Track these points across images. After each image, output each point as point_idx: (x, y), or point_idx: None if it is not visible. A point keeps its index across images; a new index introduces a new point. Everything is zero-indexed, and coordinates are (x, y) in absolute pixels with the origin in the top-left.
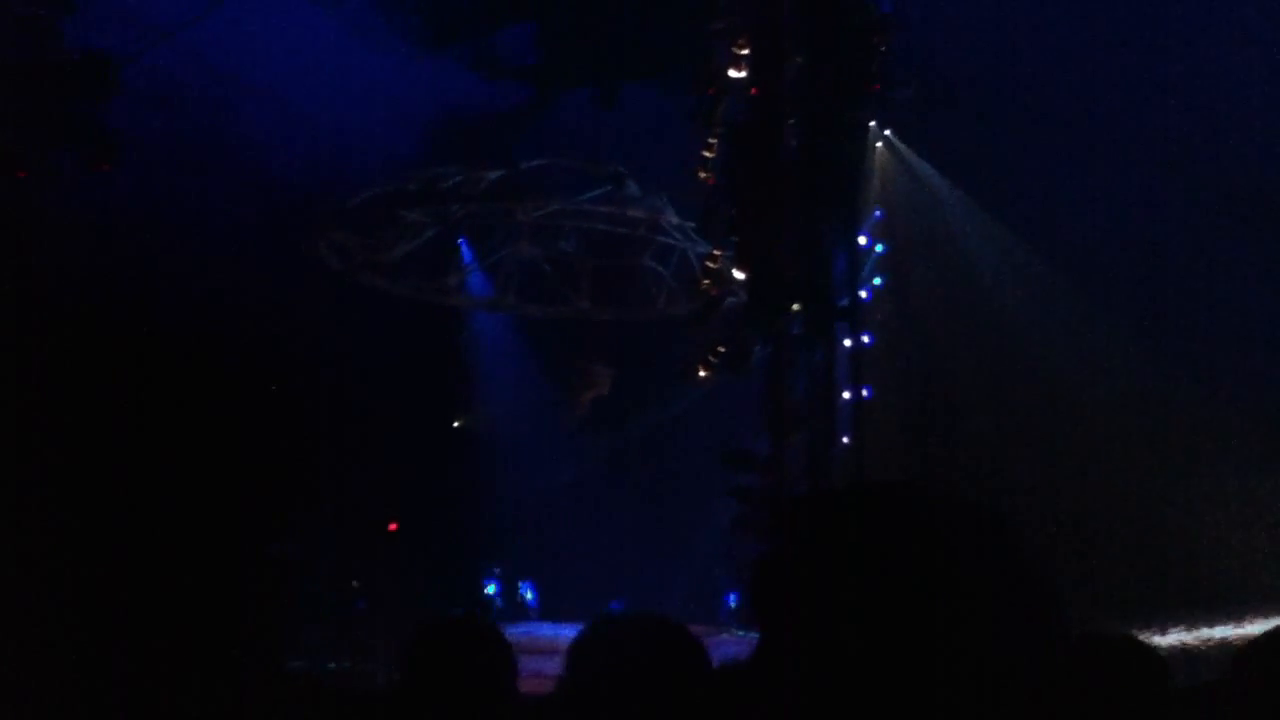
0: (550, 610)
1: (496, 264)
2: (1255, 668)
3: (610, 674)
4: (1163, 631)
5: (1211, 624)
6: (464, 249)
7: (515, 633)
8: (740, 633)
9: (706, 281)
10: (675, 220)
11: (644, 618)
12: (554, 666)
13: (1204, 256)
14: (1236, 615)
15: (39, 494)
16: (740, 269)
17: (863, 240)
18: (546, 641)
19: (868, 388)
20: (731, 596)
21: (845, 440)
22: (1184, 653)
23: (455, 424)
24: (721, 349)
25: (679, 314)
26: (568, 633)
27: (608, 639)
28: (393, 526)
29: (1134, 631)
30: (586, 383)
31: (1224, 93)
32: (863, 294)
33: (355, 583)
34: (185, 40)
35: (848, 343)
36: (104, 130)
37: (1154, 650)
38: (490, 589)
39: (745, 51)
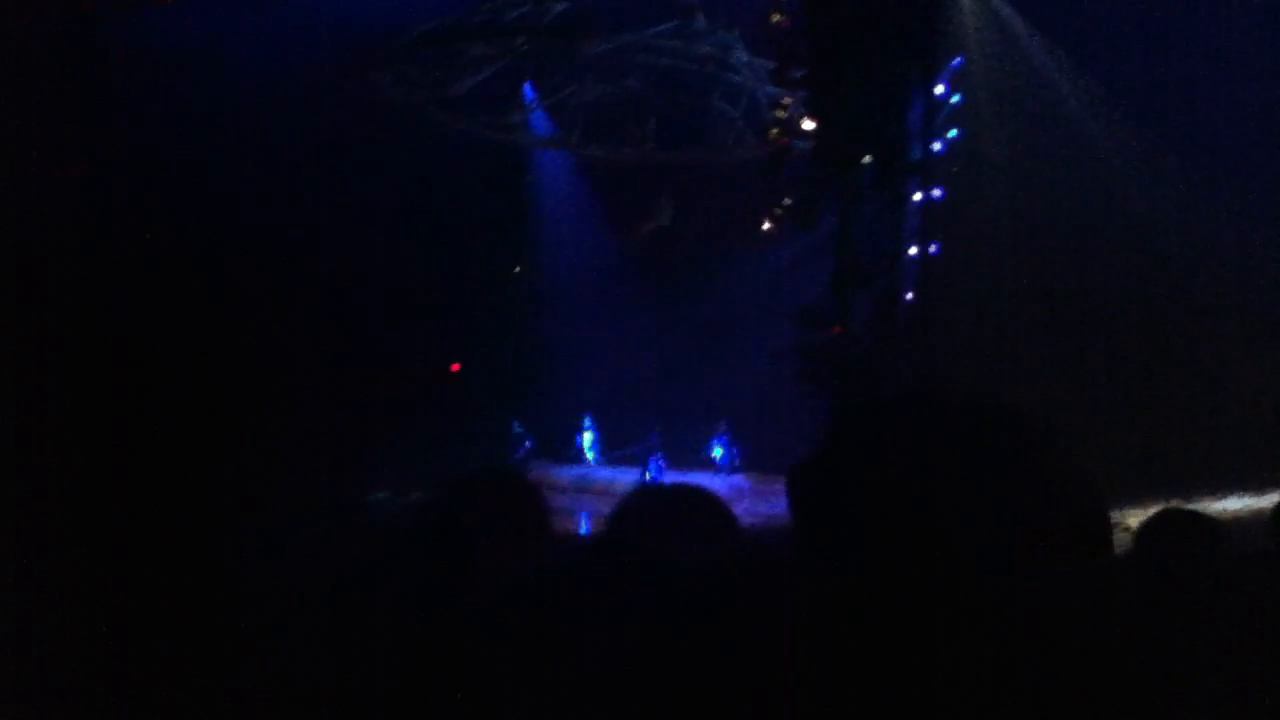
0: (603, 453)
1: (560, 102)
2: None
3: (646, 537)
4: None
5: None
6: (527, 88)
7: (572, 475)
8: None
9: (775, 130)
10: (746, 58)
11: (682, 489)
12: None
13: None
14: None
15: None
16: (810, 118)
17: (940, 90)
18: (602, 485)
19: (936, 244)
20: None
21: (910, 296)
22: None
23: (516, 270)
24: (788, 201)
25: (747, 158)
26: (622, 477)
27: (647, 507)
28: (455, 367)
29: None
30: (647, 213)
31: None
32: (936, 146)
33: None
34: None
35: (918, 196)
36: None
37: (1214, 520)
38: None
39: None
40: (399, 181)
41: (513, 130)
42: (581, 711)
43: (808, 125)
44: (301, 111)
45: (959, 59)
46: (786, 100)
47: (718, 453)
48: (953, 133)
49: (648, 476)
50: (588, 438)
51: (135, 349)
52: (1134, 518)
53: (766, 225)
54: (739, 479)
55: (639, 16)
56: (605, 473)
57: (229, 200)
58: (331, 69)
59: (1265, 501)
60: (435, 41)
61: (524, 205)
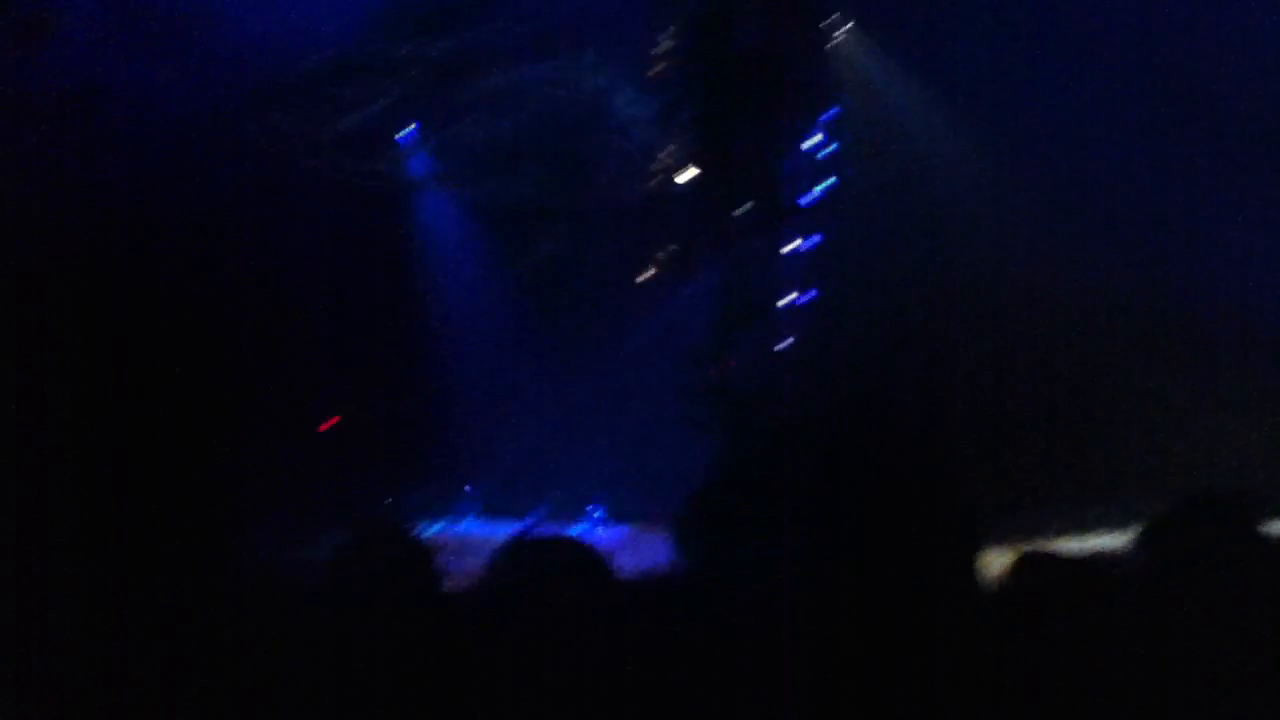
0: (491, 508)
1: (445, 142)
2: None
3: (521, 589)
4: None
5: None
6: (410, 130)
7: (455, 532)
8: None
9: (657, 178)
10: (629, 95)
11: (558, 538)
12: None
13: (1173, 166)
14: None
15: None
16: (691, 165)
17: (817, 138)
18: (481, 541)
19: (814, 290)
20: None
21: (789, 341)
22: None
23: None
24: (672, 247)
25: (633, 198)
26: (505, 531)
27: (522, 557)
28: (331, 422)
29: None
30: (534, 246)
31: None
32: (814, 193)
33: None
34: None
35: (797, 243)
36: (35, 5)
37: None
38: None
39: None
40: (275, 225)
41: (397, 171)
42: None
43: (689, 173)
44: (180, 153)
45: (835, 108)
46: (669, 147)
47: (596, 514)
48: (829, 180)
49: (528, 527)
50: (470, 494)
51: None
52: (998, 559)
53: (650, 273)
54: (620, 530)
55: (527, 54)
56: (488, 530)
57: (108, 253)
58: (213, 110)
59: (1123, 538)
60: (317, 79)
61: (408, 249)
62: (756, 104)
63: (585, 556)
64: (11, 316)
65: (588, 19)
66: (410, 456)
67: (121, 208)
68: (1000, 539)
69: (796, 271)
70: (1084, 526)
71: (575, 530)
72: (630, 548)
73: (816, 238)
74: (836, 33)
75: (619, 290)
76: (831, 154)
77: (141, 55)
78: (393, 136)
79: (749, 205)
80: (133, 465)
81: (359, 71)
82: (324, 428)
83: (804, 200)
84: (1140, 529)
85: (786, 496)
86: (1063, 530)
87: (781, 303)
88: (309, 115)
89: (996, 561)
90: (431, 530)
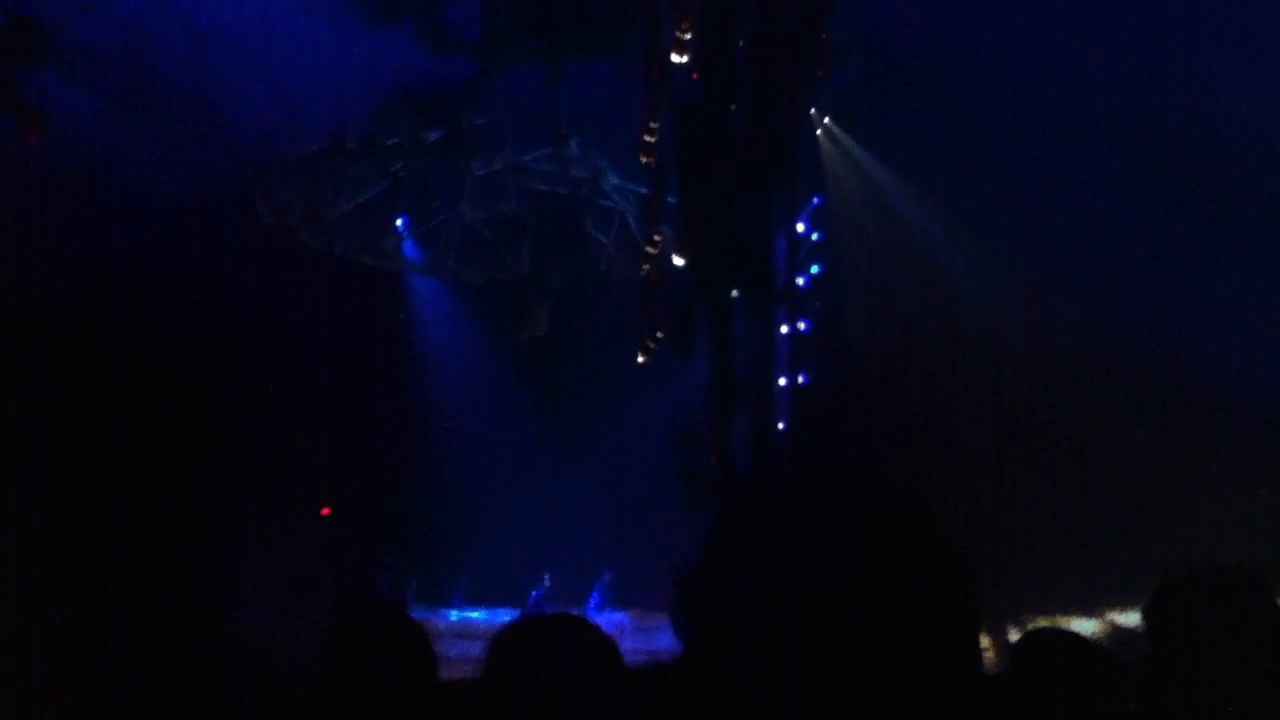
0: (484, 595)
1: (436, 227)
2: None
3: (524, 672)
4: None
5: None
6: (400, 219)
7: (449, 620)
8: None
9: (648, 265)
10: (616, 181)
11: (561, 618)
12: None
13: (1144, 237)
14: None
15: None
16: (681, 253)
17: (801, 227)
18: (480, 629)
19: (805, 373)
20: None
21: (782, 425)
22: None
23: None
24: (661, 334)
25: (619, 280)
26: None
27: (524, 638)
28: (326, 511)
29: (1070, 614)
30: (523, 321)
31: (1166, 79)
32: (801, 280)
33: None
34: None
35: (785, 328)
36: (32, 99)
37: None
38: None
39: (689, 35)
40: (274, 301)
41: (388, 255)
42: None
43: (678, 260)
44: (183, 228)
45: (818, 198)
46: (658, 236)
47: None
48: (815, 268)
49: (529, 606)
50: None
51: None
52: (1003, 637)
53: (641, 358)
54: (620, 616)
55: (514, 142)
56: (487, 616)
57: (111, 323)
58: (217, 192)
59: (1131, 618)
60: (310, 163)
61: (400, 329)
62: (743, 195)
63: (589, 637)
64: (12, 385)
65: (577, 108)
66: (405, 536)
67: (125, 279)
68: (1007, 615)
69: (791, 353)
70: (1091, 603)
71: (575, 611)
72: (630, 629)
73: (807, 321)
74: (814, 128)
75: (615, 370)
76: (817, 243)
77: (148, 135)
78: (389, 216)
79: (742, 289)
80: (123, 534)
81: (358, 155)
82: (325, 513)
83: (794, 284)
84: (1145, 603)
85: (784, 575)
86: (1069, 607)
87: (778, 384)
88: (309, 194)
89: (1003, 639)
90: (428, 610)
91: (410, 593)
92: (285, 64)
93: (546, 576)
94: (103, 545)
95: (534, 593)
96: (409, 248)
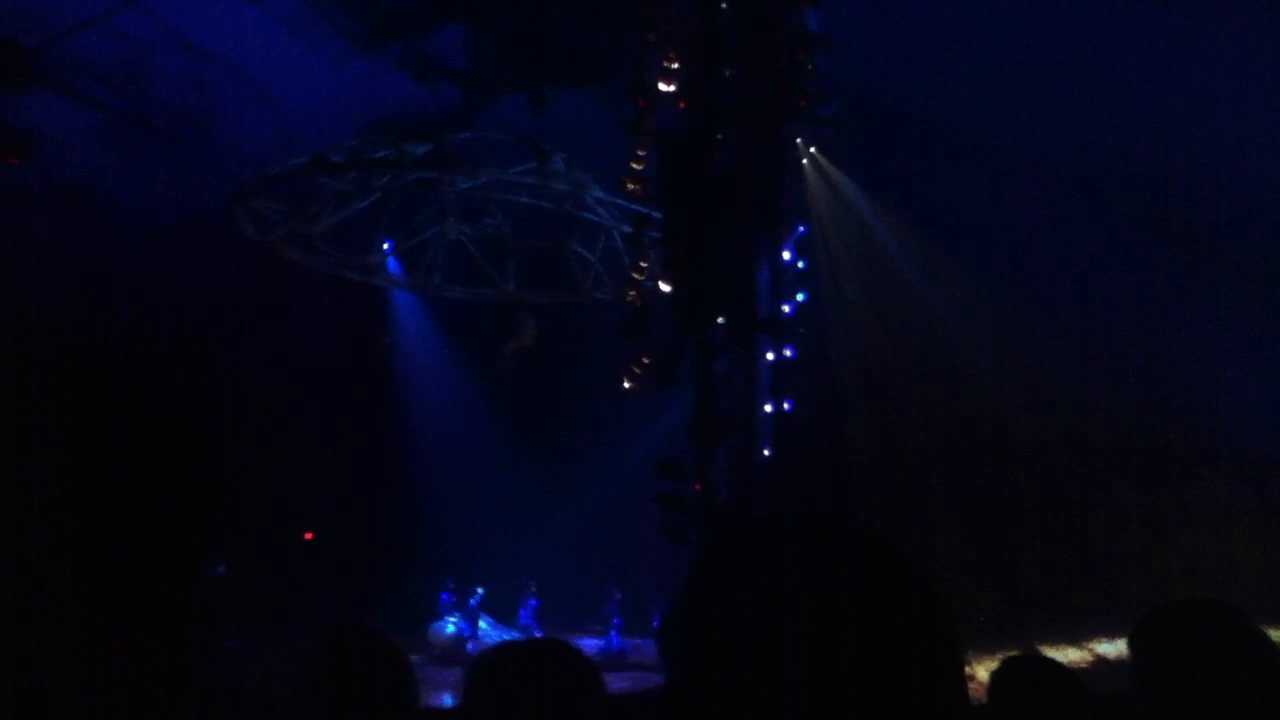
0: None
1: (421, 244)
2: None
3: (506, 695)
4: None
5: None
6: (387, 226)
7: (437, 635)
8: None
9: (633, 293)
10: (601, 195)
11: (544, 642)
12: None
13: (1113, 269)
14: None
15: None
16: (665, 281)
17: (786, 256)
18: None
19: (789, 400)
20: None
21: (766, 453)
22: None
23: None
24: (646, 361)
25: (604, 298)
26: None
27: (506, 661)
28: (308, 535)
29: (1056, 643)
30: (511, 333)
31: (1136, 115)
32: (785, 309)
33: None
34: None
35: (770, 356)
36: (13, 123)
37: (1064, 667)
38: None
39: (675, 65)
40: (263, 317)
41: (372, 272)
42: None
43: (664, 288)
44: (170, 245)
45: (802, 227)
46: (643, 264)
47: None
48: (800, 296)
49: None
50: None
51: None
52: (982, 667)
53: (626, 385)
54: (604, 640)
55: (499, 158)
56: (468, 633)
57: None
58: (204, 204)
59: (1117, 647)
60: (295, 179)
61: (392, 343)
62: (727, 224)
63: (573, 662)
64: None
65: (561, 129)
66: (389, 562)
67: (114, 296)
68: (995, 647)
69: (775, 381)
70: (1079, 636)
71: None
72: (616, 656)
73: (792, 348)
74: (799, 158)
75: (598, 395)
76: (801, 272)
77: (138, 153)
78: (375, 233)
79: (727, 316)
80: (104, 557)
81: (341, 167)
82: (308, 537)
83: (778, 312)
84: (1130, 633)
85: (768, 606)
86: (1057, 638)
87: (762, 411)
88: (295, 208)
89: (984, 668)
90: (408, 634)
91: (476, 606)
92: (280, 87)
93: (616, 593)
94: (86, 572)
95: (520, 609)
96: (393, 264)
